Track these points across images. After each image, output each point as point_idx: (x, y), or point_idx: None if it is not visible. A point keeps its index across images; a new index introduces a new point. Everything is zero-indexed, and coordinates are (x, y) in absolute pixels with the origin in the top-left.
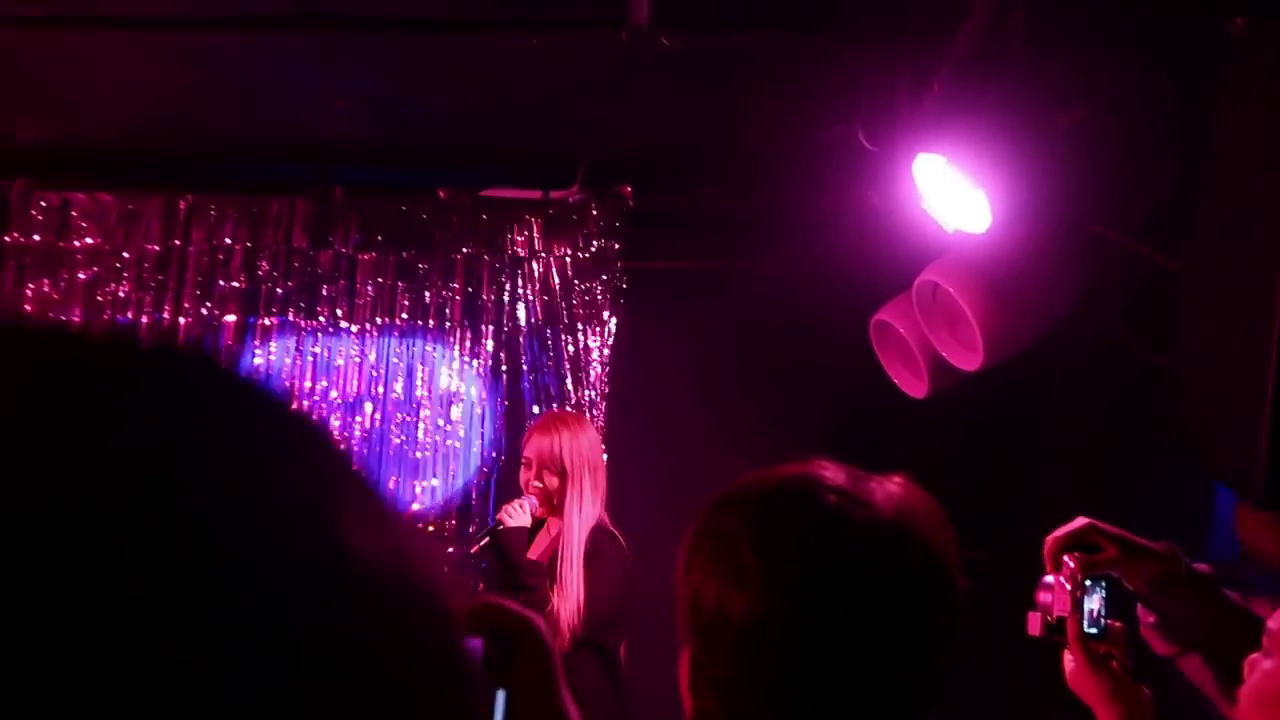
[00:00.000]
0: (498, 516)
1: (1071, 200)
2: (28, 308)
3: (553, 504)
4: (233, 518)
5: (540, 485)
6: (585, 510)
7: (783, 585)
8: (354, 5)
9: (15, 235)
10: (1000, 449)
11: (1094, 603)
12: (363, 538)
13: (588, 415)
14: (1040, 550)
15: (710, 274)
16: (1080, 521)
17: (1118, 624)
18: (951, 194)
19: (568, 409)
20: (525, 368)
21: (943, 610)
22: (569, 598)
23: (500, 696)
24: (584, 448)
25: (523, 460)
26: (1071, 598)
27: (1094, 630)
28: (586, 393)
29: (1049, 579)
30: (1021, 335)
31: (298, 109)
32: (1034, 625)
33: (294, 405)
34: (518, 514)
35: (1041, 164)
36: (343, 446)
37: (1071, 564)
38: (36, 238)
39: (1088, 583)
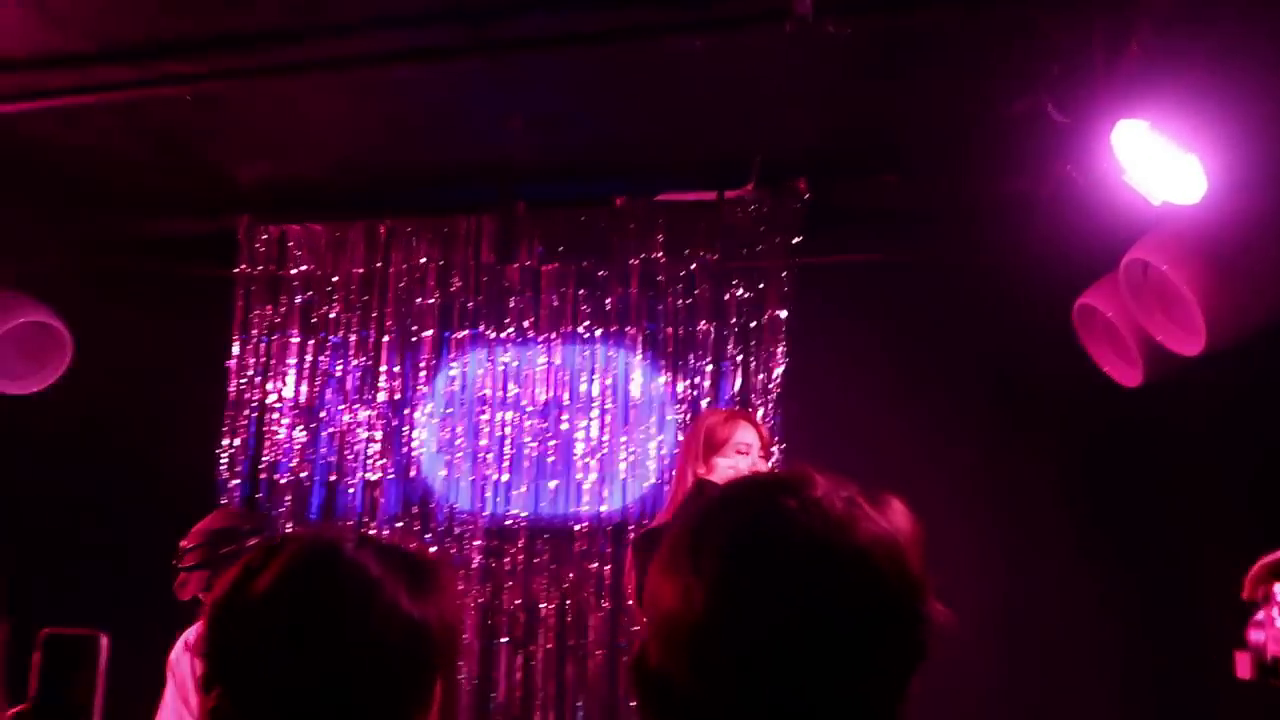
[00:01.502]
0: None
1: None
2: (254, 332)
3: None
4: None
5: (761, 470)
6: None
7: (700, 579)
8: (523, 26)
9: (244, 266)
10: (1230, 445)
11: None
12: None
13: (766, 415)
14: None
15: (895, 267)
16: None
17: None
18: (1158, 163)
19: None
20: (705, 368)
21: (878, 639)
22: None
23: None
24: None
25: (739, 448)
26: None
27: None
28: (765, 393)
29: (1259, 615)
30: (1251, 314)
31: (478, 131)
32: (1244, 667)
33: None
34: None
35: (1263, 123)
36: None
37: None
38: (260, 267)
39: None
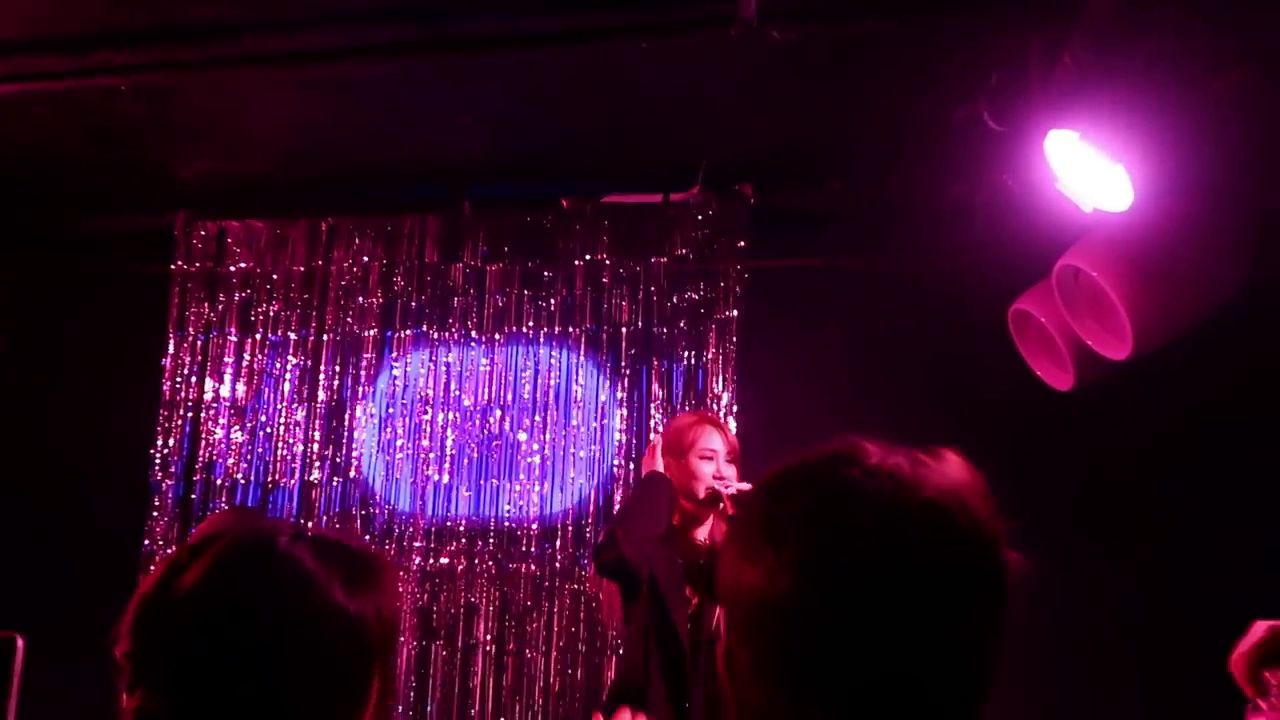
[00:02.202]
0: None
1: (1228, 172)
2: (190, 330)
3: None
4: None
5: (726, 476)
6: None
7: (784, 561)
8: (473, 26)
9: (180, 263)
10: (1158, 446)
11: None
12: None
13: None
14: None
15: (838, 271)
16: (1261, 628)
17: None
18: (1088, 172)
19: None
20: (651, 371)
21: (972, 591)
22: None
23: None
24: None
25: (704, 454)
26: None
27: None
28: (713, 395)
29: (1260, 705)
30: (1176, 321)
31: (425, 130)
32: None
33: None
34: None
35: (1189, 134)
36: None
37: (1276, 681)
38: (197, 264)
39: None
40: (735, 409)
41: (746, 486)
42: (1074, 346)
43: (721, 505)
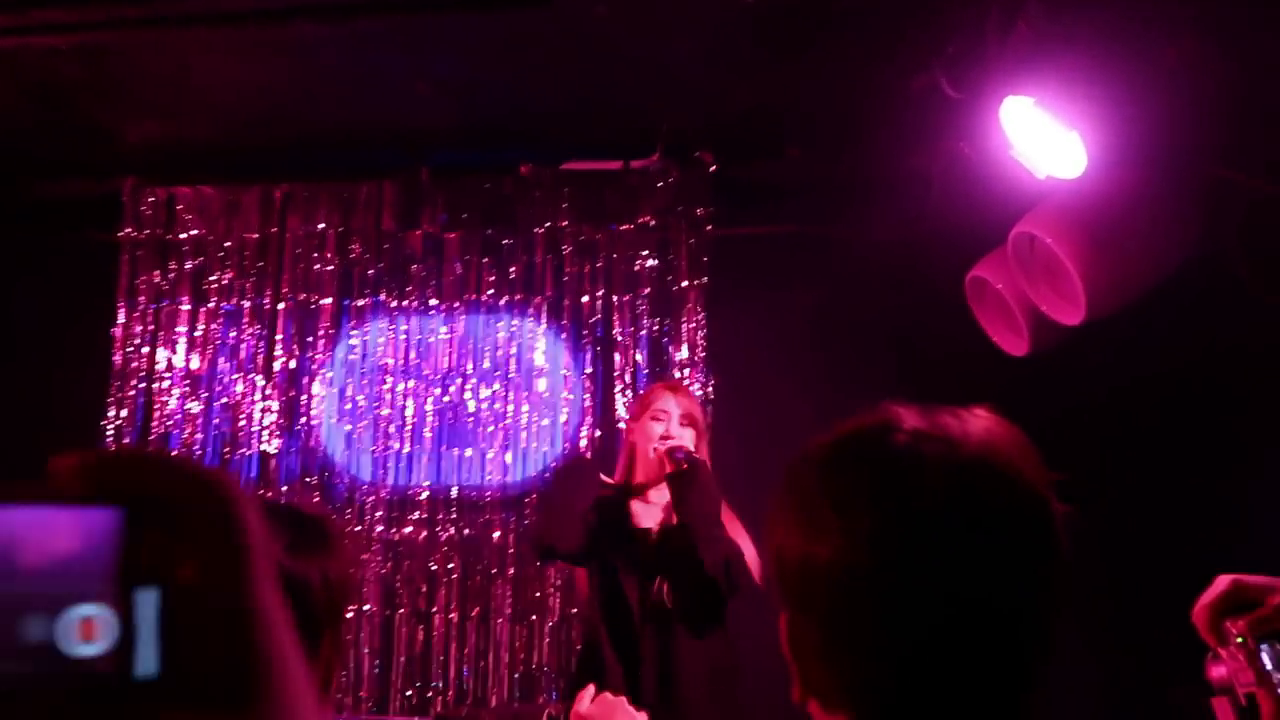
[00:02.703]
0: (685, 450)
1: (1180, 140)
2: (141, 299)
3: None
4: None
5: (677, 439)
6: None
7: (856, 533)
8: None
9: (128, 230)
10: (1112, 406)
11: (1272, 665)
12: None
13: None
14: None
15: (798, 239)
16: (1224, 581)
17: None
18: (1042, 139)
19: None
20: (613, 339)
21: (1039, 544)
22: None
23: (149, 599)
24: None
25: (655, 414)
26: (1254, 670)
27: None
28: (675, 363)
29: (1220, 654)
30: (1127, 286)
31: (382, 95)
32: (1225, 713)
33: None
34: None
35: (1142, 102)
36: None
37: (1236, 631)
38: (147, 231)
39: (1264, 647)
40: (701, 376)
41: (681, 443)
42: (1029, 312)
43: (666, 467)
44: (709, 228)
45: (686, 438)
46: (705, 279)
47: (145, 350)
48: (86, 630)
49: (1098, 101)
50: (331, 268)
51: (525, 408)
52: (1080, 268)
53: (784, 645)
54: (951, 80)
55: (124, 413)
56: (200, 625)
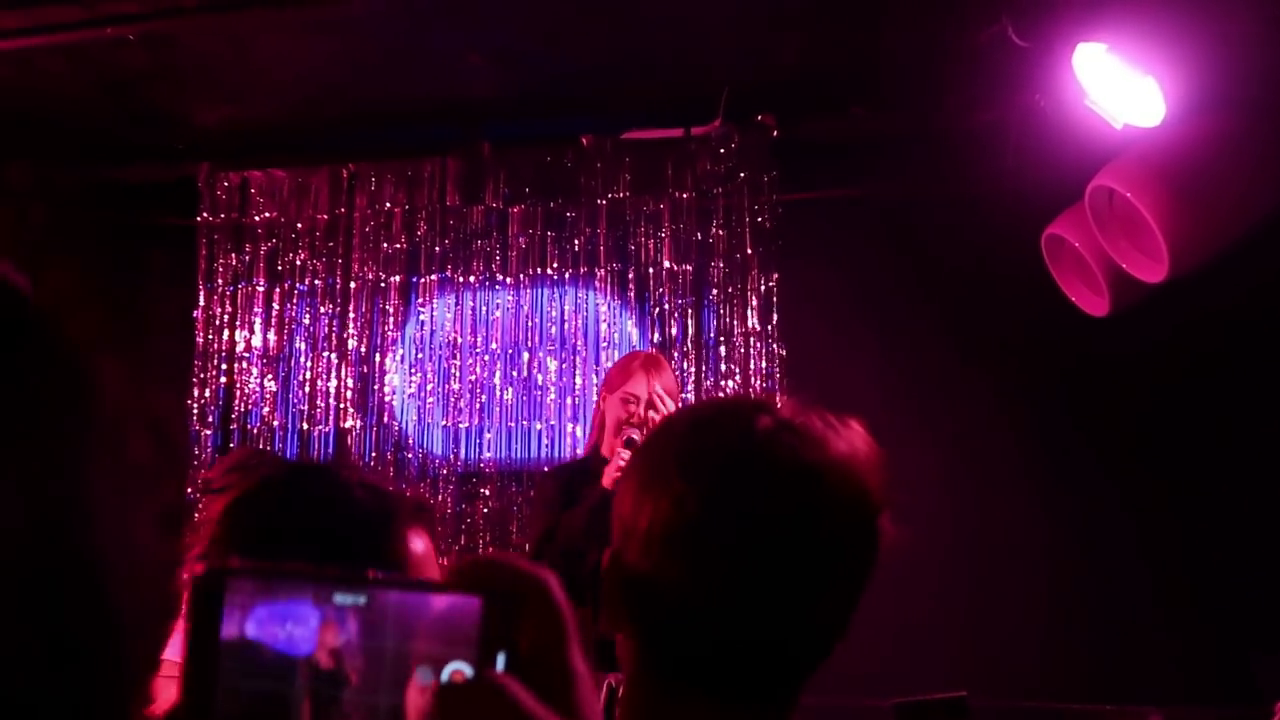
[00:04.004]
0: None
1: (1263, 80)
2: (219, 281)
3: None
4: None
5: (654, 419)
6: None
7: (691, 493)
8: None
9: (205, 215)
10: (1199, 371)
11: None
12: None
13: (751, 351)
14: None
15: (865, 200)
16: None
17: None
18: (1118, 86)
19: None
20: (677, 309)
21: (848, 555)
22: None
23: (500, 660)
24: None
25: (626, 396)
26: None
27: None
28: (742, 333)
29: None
30: (1213, 239)
31: (440, 70)
32: None
33: None
34: None
35: (1222, 43)
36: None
37: None
38: (222, 215)
39: None
40: (768, 345)
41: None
42: (1109, 270)
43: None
44: (774, 193)
45: (664, 412)
46: (771, 245)
47: (225, 332)
48: (457, 679)
49: (1175, 44)
50: (399, 245)
51: (594, 380)
52: (1162, 222)
53: (604, 594)
54: (1020, 29)
55: (208, 392)
56: (533, 680)
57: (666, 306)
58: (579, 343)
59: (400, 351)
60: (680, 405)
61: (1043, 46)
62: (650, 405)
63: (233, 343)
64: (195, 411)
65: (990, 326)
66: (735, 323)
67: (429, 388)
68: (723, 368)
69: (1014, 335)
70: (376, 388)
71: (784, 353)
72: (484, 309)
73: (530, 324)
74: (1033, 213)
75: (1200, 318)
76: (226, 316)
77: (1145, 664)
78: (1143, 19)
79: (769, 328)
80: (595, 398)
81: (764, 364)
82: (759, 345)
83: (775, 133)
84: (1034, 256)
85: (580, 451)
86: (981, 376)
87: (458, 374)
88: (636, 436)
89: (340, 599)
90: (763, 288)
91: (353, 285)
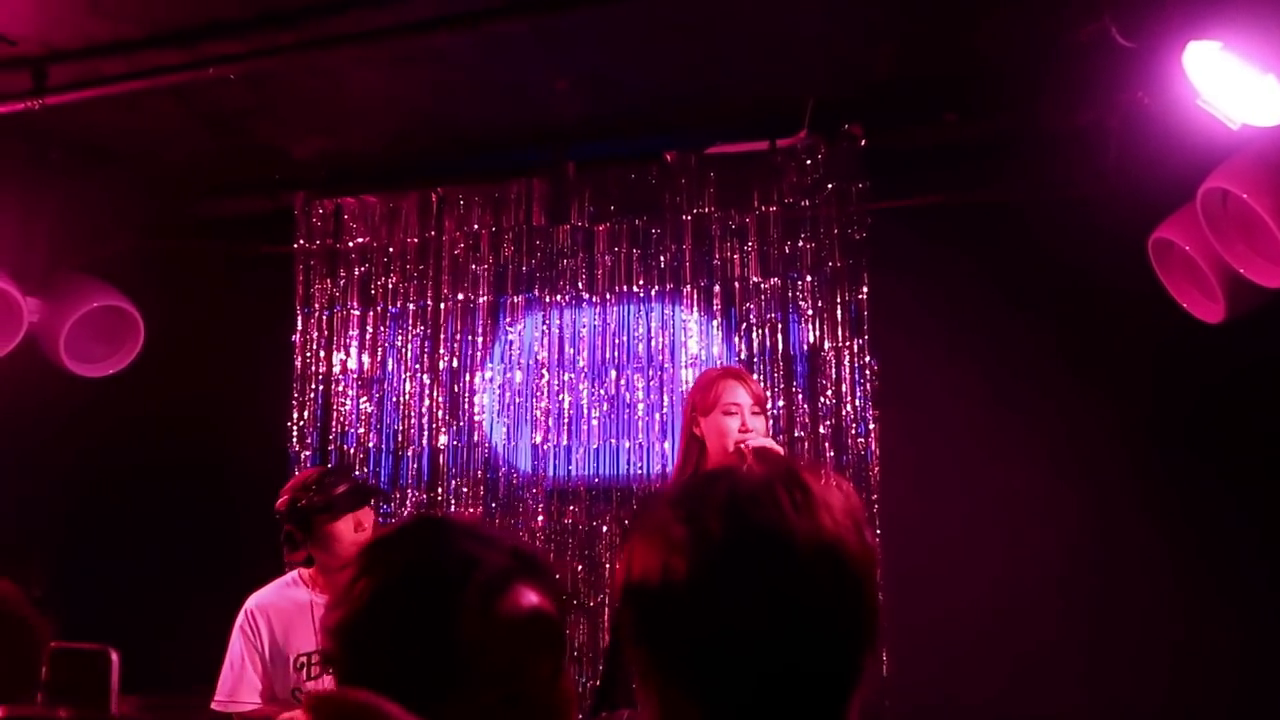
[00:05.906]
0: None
1: None
2: (315, 306)
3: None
4: None
5: (756, 433)
6: None
7: (702, 549)
8: None
9: (301, 241)
10: None
11: None
12: None
13: (845, 367)
14: None
15: (961, 209)
16: None
17: None
18: (1234, 85)
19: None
20: (765, 324)
21: (843, 612)
22: None
23: None
24: None
25: (726, 409)
26: None
27: None
28: (838, 342)
29: None
30: None
31: (523, 94)
32: None
33: None
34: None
35: None
36: None
37: None
38: (318, 242)
39: None
40: (865, 358)
41: (768, 442)
42: (1223, 275)
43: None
44: (863, 204)
45: (760, 427)
46: (861, 257)
47: (322, 355)
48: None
49: None
50: (487, 266)
51: (680, 395)
52: None
53: (627, 645)
54: (1123, 28)
55: (306, 414)
56: None
57: (753, 321)
58: (665, 359)
59: (489, 371)
60: (768, 417)
61: (1148, 45)
62: (752, 411)
63: (329, 365)
64: (295, 434)
65: (1096, 335)
66: (825, 337)
67: (518, 406)
68: (816, 384)
69: (1122, 344)
70: (466, 407)
71: (875, 365)
72: (571, 327)
73: (617, 341)
74: (1135, 216)
75: None
76: (323, 340)
77: (1214, 662)
78: (1260, 16)
79: (859, 341)
80: (683, 423)
81: (855, 377)
82: (849, 359)
83: (863, 142)
84: (1137, 261)
85: (670, 475)
86: (1089, 389)
87: (546, 392)
88: (753, 441)
89: None
90: (852, 300)
91: (443, 306)
